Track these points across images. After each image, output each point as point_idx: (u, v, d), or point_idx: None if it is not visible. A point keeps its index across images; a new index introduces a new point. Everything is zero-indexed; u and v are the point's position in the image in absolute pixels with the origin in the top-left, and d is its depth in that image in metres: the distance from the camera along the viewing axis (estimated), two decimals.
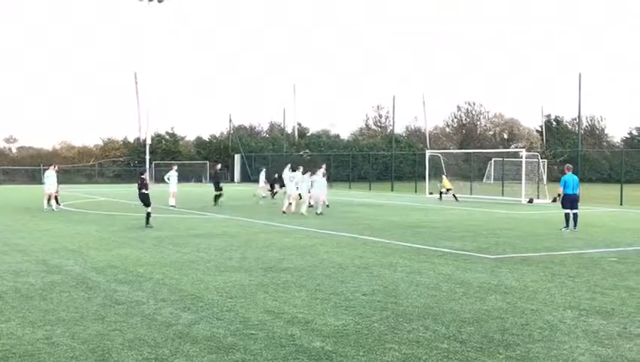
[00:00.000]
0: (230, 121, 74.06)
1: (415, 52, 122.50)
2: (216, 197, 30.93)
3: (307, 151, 66.91)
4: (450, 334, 8.09)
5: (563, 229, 20.38)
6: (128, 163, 66.36)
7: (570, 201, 20.76)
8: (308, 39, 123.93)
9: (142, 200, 21.48)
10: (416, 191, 45.96)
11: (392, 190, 49.28)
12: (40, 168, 63.48)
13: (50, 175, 28.19)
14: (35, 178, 61.03)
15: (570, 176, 21.05)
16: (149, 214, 21.08)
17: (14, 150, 79.57)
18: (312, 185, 26.76)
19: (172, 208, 28.68)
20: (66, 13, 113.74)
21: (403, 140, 76.45)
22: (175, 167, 31.90)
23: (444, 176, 39.88)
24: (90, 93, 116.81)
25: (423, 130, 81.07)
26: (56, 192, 28.18)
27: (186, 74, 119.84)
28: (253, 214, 26.13)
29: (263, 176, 36.51)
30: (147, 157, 66.17)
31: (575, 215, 20.60)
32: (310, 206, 26.77)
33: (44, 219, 23.89)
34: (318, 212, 25.89)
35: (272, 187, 36.38)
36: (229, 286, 11.00)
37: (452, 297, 10.25)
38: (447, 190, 37.96)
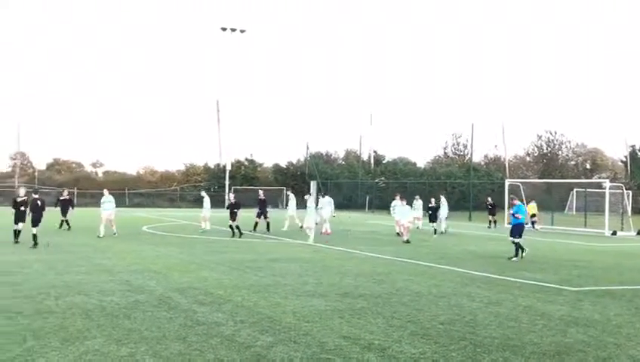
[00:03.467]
0: (307, 148, 74.83)
1: (495, 80, 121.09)
2: (263, 224, 30.32)
3: (382, 178, 66.80)
4: None
5: None
6: (209, 188, 67.75)
7: None
8: (385, 67, 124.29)
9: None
10: (495, 222, 45.07)
11: (469, 219, 48.56)
12: (125, 192, 65.78)
13: (108, 200, 27.50)
14: (120, 202, 63.09)
15: None
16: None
17: (100, 174, 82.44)
18: (394, 210, 28.82)
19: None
20: (150, 43, 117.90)
21: (481, 169, 75.31)
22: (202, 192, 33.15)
23: (532, 203, 39.18)
24: (173, 120, 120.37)
25: (502, 159, 79.73)
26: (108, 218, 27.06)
27: (265, 102, 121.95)
28: (329, 240, 26.22)
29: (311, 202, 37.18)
30: (227, 182, 67.64)
31: None
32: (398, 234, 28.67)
33: (128, 240, 24.64)
34: (404, 239, 25.97)
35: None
36: (305, 310, 11.10)
37: (532, 329, 10.03)
38: (532, 215, 37.28)
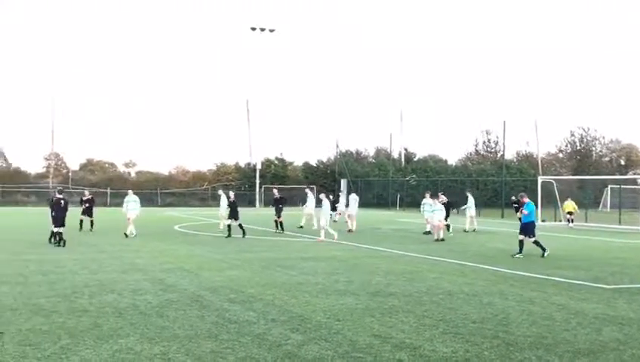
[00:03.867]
0: (337, 146, 74.84)
1: (527, 76, 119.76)
2: (278, 224, 29.41)
3: (413, 176, 66.52)
4: None
5: None
6: (240, 187, 68.11)
7: None
8: (415, 64, 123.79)
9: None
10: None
11: (502, 217, 48.13)
12: (157, 192, 66.42)
13: (132, 200, 27.29)
14: (152, 201, 63.81)
15: None
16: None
17: (133, 174, 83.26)
18: (423, 208, 28.47)
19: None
20: (181, 44, 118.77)
21: (514, 166, 74.61)
22: (221, 192, 32.81)
23: (569, 200, 38.70)
24: (204, 120, 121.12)
25: (535, 156, 78.91)
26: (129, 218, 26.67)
27: (295, 100, 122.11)
28: (359, 239, 26.20)
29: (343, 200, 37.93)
30: (257, 181, 67.94)
31: None
32: (428, 232, 28.48)
33: (160, 240, 24.86)
34: (436, 238, 25.79)
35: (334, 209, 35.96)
36: (336, 308, 11.09)
37: (566, 327, 9.91)
38: (569, 213, 36.84)
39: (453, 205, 30.32)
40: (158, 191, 67.06)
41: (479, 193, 55.48)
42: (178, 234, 28.44)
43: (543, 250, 20.11)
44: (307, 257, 19.26)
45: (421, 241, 25.31)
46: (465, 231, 30.71)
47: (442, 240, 25.37)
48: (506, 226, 37.91)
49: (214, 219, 38.24)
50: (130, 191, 28.18)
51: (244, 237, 25.75)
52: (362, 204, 62.24)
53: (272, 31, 67.77)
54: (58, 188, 28.55)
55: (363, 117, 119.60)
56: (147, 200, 64.13)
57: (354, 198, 33.21)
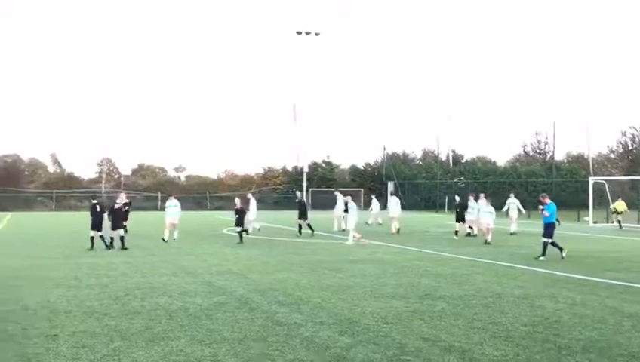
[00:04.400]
0: (384, 148, 74.54)
1: (577, 75, 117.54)
2: (301, 227, 29.37)
3: (462, 178, 65.86)
4: None
5: None
6: (287, 190, 68.38)
7: None
8: (463, 64, 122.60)
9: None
10: (578, 220, 43.85)
11: None
12: (206, 195, 67.18)
13: (173, 204, 26.98)
14: (202, 205, 64.54)
15: None
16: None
17: (183, 178, 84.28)
18: (467, 210, 28.02)
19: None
20: (228, 49, 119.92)
21: (564, 167, 73.26)
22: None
23: (619, 200, 37.85)
24: (252, 124, 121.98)
25: (585, 157, 77.33)
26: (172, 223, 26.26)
27: (342, 103, 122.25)
28: (407, 241, 26.04)
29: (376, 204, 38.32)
30: (304, 184, 68.15)
31: None
32: (472, 234, 28.28)
33: (210, 243, 25.12)
34: (485, 240, 25.40)
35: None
36: (384, 311, 11.05)
37: (619, 331, 9.68)
38: (619, 213, 36.03)
39: (466, 207, 29.30)
40: (207, 195, 67.81)
41: (528, 195, 54.67)
42: (226, 237, 28.71)
43: (543, 254, 19.69)
44: (355, 260, 19.22)
45: (469, 244, 25.02)
46: (510, 233, 30.19)
47: (489, 243, 25.00)
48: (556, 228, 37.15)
49: (262, 222, 38.43)
50: (171, 196, 28.10)
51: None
52: (409, 207, 62.34)
53: (317, 34, 67.91)
54: (93, 193, 28.51)
55: (410, 119, 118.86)
56: (196, 203, 64.99)
57: (395, 201, 33.18)
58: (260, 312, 11.01)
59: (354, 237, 24.94)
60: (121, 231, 22.72)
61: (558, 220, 20.50)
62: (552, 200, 20.82)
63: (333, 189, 40.55)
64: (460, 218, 28.61)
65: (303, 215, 29.50)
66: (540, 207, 20.86)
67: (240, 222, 25.80)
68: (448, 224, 33.61)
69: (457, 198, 29.90)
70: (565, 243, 26.28)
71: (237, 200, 27.18)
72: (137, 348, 8.53)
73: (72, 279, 14.99)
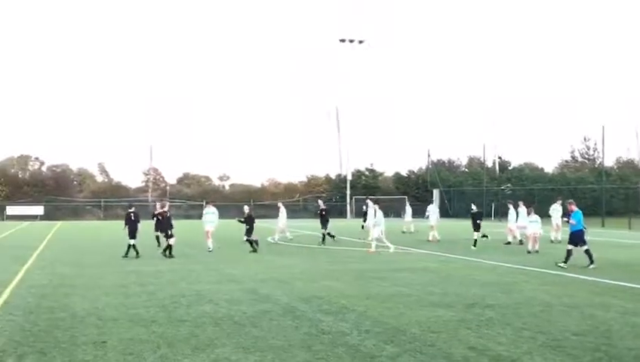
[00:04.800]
0: (428, 155, 74.13)
1: (626, 78, 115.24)
2: (325, 236, 28.95)
3: (508, 185, 65.06)
4: None
5: None
6: (330, 198, 68.47)
7: None
8: (508, 69, 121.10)
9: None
10: (630, 228, 42.91)
11: (602, 226, 46.41)
12: (250, 204, 67.59)
13: (210, 211, 26.58)
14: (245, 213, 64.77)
15: None
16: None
17: (227, 187, 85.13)
18: (513, 219, 27.87)
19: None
20: (271, 56, 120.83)
21: (614, 173, 71.85)
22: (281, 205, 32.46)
23: None
24: (295, 132, 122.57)
25: (636, 162, 75.71)
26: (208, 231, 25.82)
27: (385, 109, 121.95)
28: (452, 250, 25.79)
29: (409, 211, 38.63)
30: (348, 192, 68.16)
31: None
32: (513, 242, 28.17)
33: (254, 251, 25.27)
34: (530, 249, 24.92)
35: None
36: (431, 320, 10.95)
37: None
38: None
39: (481, 216, 28.40)
40: (251, 203, 68.31)
41: (577, 202, 53.66)
42: (271, 245, 28.84)
43: (591, 261, 19.20)
44: (399, 268, 19.11)
45: (516, 252, 24.65)
46: (551, 241, 29.55)
47: (536, 251, 24.55)
48: (606, 236, 36.49)
49: (305, 230, 38.64)
50: (208, 204, 27.72)
51: (255, 251, 24.80)
52: (455, 215, 61.73)
53: (361, 42, 68.06)
54: (129, 202, 28.71)
55: (455, 124, 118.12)
56: (240, 212, 65.33)
57: (432, 210, 33.26)
58: (305, 320, 11.02)
59: (373, 247, 24.69)
60: (172, 240, 22.85)
61: (585, 227, 20.09)
62: (579, 207, 20.42)
63: (376, 197, 40.47)
64: (476, 227, 27.60)
65: (323, 224, 29.13)
66: (564, 218, 20.62)
67: (249, 231, 25.29)
68: (495, 232, 33.20)
69: (474, 207, 29.25)
70: (615, 251, 25.75)
71: (246, 208, 26.82)
72: (183, 356, 8.61)
73: (120, 287, 15.23)
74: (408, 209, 39.12)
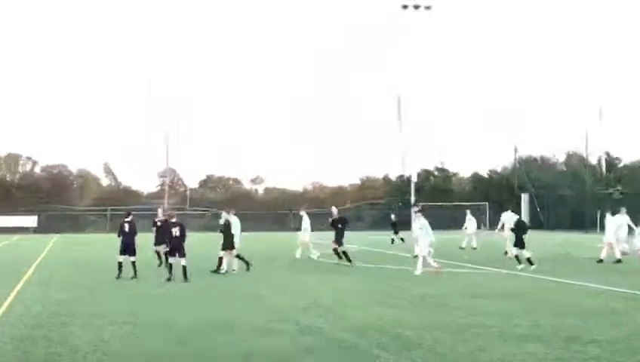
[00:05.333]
0: (515, 151, 73.39)
1: None
2: (339, 253, 28.14)
3: (618, 188, 64.03)
4: None
5: None
6: (391, 205, 68.04)
7: None
8: (616, 49, 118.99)
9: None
10: None
11: None
12: (289, 212, 67.82)
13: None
14: (283, 223, 64.49)
15: None
16: None
17: (260, 191, 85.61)
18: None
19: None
20: (311, 32, 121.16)
21: None
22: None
23: None
24: (345, 126, 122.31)
25: None
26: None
27: (459, 96, 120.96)
28: (543, 270, 25.30)
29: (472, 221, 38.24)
30: (412, 197, 67.90)
31: None
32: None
33: (293, 271, 25.41)
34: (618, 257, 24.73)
35: None
36: (518, 358, 10.88)
37: None
38: None
39: (525, 228, 26.67)
40: (290, 212, 68.50)
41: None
42: (311, 263, 28.93)
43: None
44: (474, 293, 18.95)
45: (627, 273, 24.23)
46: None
47: None
48: None
49: (355, 244, 38.48)
50: (230, 212, 26.14)
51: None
52: (551, 225, 61.00)
53: (427, 8, 67.76)
54: (128, 210, 28.38)
55: (549, 114, 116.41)
56: (275, 221, 65.51)
57: (470, 218, 34.49)
58: (359, 357, 11.02)
59: (428, 264, 23.93)
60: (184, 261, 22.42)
61: None
62: None
63: (447, 203, 40.37)
64: (519, 243, 25.78)
65: (337, 238, 28.02)
66: None
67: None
68: (600, 246, 32.68)
69: (514, 217, 28.86)
70: None
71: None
72: None
73: (128, 315, 15.39)
74: (471, 218, 38.55)
